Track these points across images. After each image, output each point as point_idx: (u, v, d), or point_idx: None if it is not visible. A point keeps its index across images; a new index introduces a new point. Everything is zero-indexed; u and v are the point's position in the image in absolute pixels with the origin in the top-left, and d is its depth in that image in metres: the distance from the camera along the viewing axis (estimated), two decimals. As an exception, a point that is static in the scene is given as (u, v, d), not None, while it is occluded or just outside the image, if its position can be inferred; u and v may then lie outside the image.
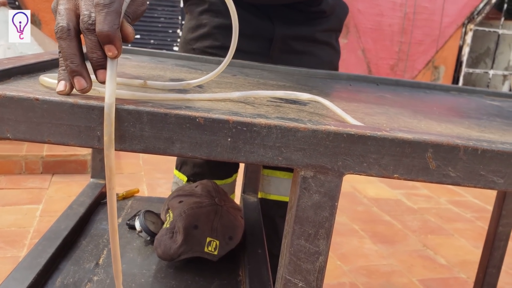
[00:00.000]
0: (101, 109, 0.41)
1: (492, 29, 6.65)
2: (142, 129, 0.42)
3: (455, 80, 6.48)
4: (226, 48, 1.24)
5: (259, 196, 1.41)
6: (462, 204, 2.70)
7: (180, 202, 0.90)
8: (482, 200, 2.79)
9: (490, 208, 2.68)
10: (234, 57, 1.16)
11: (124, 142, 0.42)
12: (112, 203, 0.43)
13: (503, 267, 1.97)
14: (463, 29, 6.37)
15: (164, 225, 0.91)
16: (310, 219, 0.46)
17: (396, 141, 0.44)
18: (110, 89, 0.41)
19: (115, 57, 0.43)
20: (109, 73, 0.42)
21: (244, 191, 1.30)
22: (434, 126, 0.66)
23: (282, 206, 1.37)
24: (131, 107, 0.41)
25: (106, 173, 0.42)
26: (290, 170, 1.36)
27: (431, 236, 2.22)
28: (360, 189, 2.79)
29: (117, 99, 0.42)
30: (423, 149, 0.44)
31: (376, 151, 0.44)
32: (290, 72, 1.12)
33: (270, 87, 0.81)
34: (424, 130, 0.59)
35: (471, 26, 6.36)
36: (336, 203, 0.46)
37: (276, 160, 0.44)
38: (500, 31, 6.67)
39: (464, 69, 6.51)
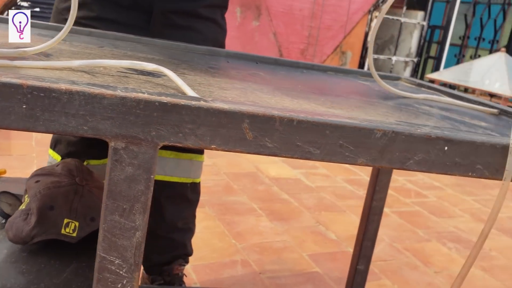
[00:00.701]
0: None
1: (395, 17, 7.02)
2: None
3: (361, 65, 6.78)
4: (103, 20, 1.17)
5: (144, 176, 1.37)
6: (356, 182, 2.84)
7: (37, 182, 0.84)
8: (375, 178, 2.95)
9: (389, 191, 2.85)
10: (109, 29, 1.11)
11: None
12: None
13: (388, 241, 2.11)
14: (369, 16, 6.66)
15: (20, 207, 0.84)
16: (124, 193, 0.43)
17: (212, 111, 0.43)
18: None
19: None
20: None
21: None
22: (285, 101, 0.66)
23: (168, 187, 1.34)
24: None
25: None
26: (176, 149, 1.33)
27: (325, 212, 2.31)
28: (262, 169, 2.84)
29: None
30: (239, 120, 0.43)
31: (191, 121, 0.42)
32: (167, 46, 1.08)
33: (135, 60, 0.77)
34: (259, 103, 0.58)
35: (376, 13, 6.66)
36: (152, 176, 0.44)
37: (81, 129, 0.40)
38: (403, 20, 7.06)
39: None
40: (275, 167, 2.91)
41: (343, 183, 2.79)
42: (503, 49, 5.21)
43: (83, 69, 0.61)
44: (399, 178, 3.03)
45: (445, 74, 5.36)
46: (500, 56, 4.98)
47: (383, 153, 0.48)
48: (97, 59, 0.65)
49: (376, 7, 6.62)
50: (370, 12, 6.60)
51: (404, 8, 7.04)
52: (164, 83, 0.60)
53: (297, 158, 0.46)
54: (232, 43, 5.62)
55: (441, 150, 0.49)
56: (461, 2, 7.00)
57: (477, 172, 0.50)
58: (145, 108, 0.41)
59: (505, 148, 0.50)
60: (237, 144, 0.44)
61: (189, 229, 1.39)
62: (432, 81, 5.76)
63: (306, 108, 0.62)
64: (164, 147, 1.33)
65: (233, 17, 5.65)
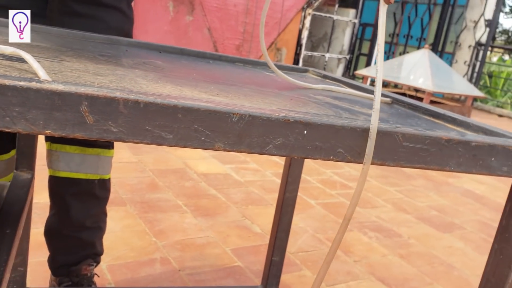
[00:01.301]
0: None
1: (328, 15, 7.18)
2: None
3: (296, 62, 6.88)
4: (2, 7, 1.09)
5: (49, 173, 1.30)
6: (285, 176, 2.87)
7: None
8: (304, 172, 3.00)
9: (310, 179, 2.90)
10: (1, 15, 1.03)
11: None
12: None
13: (311, 232, 2.14)
14: (303, 13, 6.76)
15: None
16: None
17: (43, 92, 0.39)
18: None
19: None
20: None
21: (17, 167, 1.18)
22: (165, 88, 0.63)
23: (73, 184, 1.27)
24: None
25: None
26: (81, 143, 1.27)
27: (252, 206, 2.31)
28: (191, 165, 2.80)
29: None
30: (77, 102, 0.40)
31: (20, 103, 0.39)
32: (63, 35, 1.02)
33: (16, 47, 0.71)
34: (126, 88, 0.55)
35: (309, 10, 6.77)
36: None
37: None
38: (335, 17, 7.23)
39: (303, 52, 6.94)
40: (205, 163, 2.88)
41: (272, 177, 2.81)
42: (427, 46, 5.47)
43: None
44: (326, 171, 3.10)
45: (373, 70, 5.54)
46: (424, 53, 5.22)
47: (242, 138, 0.46)
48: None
49: (309, 4, 6.73)
50: (303, 9, 6.71)
51: (337, 6, 7.22)
52: (21, 67, 0.56)
53: (148, 143, 0.43)
54: (165, 38, 5.51)
55: (301, 134, 0.48)
56: (390, 1, 7.26)
57: (339, 156, 0.50)
58: (-37, 90, 0.37)
59: (365, 131, 0.50)
60: (76, 128, 0.41)
61: (99, 228, 1.33)
62: (362, 77, 5.95)
63: (186, 94, 0.60)
64: (69, 142, 1.27)
65: (165, 11, 5.54)
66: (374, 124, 0.49)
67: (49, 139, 1.26)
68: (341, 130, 0.50)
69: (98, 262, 1.36)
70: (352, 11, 7.44)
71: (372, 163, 0.51)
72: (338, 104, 0.81)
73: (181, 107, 0.43)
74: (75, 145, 1.25)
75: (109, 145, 1.30)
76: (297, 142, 0.48)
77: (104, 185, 1.31)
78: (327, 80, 1.16)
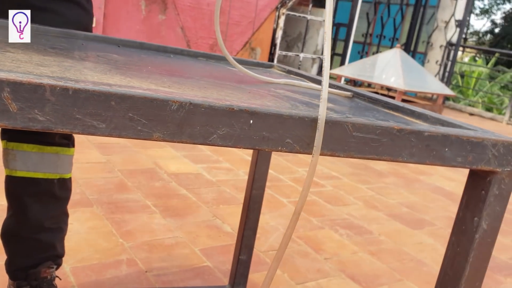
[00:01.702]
0: None
1: (302, 15, 7.20)
2: None
3: (270, 61, 6.88)
4: None
5: (5, 173, 1.25)
6: (257, 175, 2.85)
7: None
8: (277, 171, 2.99)
9: (283, 177, 2.89)
10: None
11: None
12: None
13: (282, 230, 2.12)
14: (277, 13, 6.77)
15: None
16: None
17: (-41, 77, 0.36)
18: None
19: None
20: None
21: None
22: (112, 80, 0.60)
23: (31, 183, 1.23)
24: None
25: None
26: (38, 142, 1.22)
27: (223, 206, 2.29)
28: (162, 165, 2.75)
29: None
30: (-2, 88, 0.37)
31: None
32: (15, 28, 0.98)
33: None
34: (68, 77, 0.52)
35: (283, 10, 6.78)
36: None
37: None
38: (309, 17, 7.25)
39: (278, 52, 6.94)
40: (176, 163, 2.84)
41: (245, 176, 2.79)
42: (398, 45, 5.54)
43: None
44: (298, 169, 3.10)
45: (346, 70, 5.59)
46: (396, 52, 5.28)
47: (182, 127, 0.44)
48: None
49: (283, 4, 6.74)
50: (277, 9, 6.71)
51: (310, 5, 7.25)
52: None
53: (79, 133, 0.41)
54: (137, 37, 5.43)
55: (246, 124, 0.46)
56: (363, 1, 7.35)
57: (288, 147, 0.48)
58: None
59: (314, 121, 0.49)
60: (-2, 117, 0.38)
61: (59, 229, 1.29)
62: (335, 77, 5.98)
63: (133, 85, 0.57)
64: (26, 140, 1.22)
65: (137, 10, 5.47)
66: (322, 114, 0.48)
67: (5, 137, 1.21)
68: (288, 120, 0.48)
69: (59, 265, 1.32)
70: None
71: (322, 154, 0.50)
72: (297, 97, 0.79)
73: (114, 94, 0.41)
74: (33, 143, 1.21)
75: (68, 143, 1.26)
76: (243, 132, 0.46)
77: (64, 185, 1.27)
78: (291, 75, 1.14)
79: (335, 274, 1.80)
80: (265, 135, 0.47)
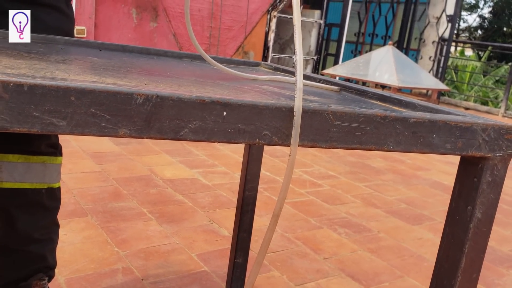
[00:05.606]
0: None
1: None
2: None
3: (264, 64, 6.86)
4: None
5: (-8, 185, 1.22)
6: (253, 178, 2.83)
7: None
8: (273, 172, 2.96)
9: (279, 179, 2.87)
10: None
11: None
12: None
13: (280, 231, 2.10)
14: (268, 16, 6.76)
15: None
16: None
17: None
18: None
19: None
20: None
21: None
22: (86, 78, 0.58)
23: (18, 194, 1.20)
24: None
25: None
26: (23, 152, 1.20)
27: (220, 210, 2.26)
28: (157, 171, 2.73)
29: None
30: None
31: None
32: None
33: None
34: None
35: (274, 13, 6.77)
36: None
37: None
38: (300, 18, 7.25)
39: (271, 54, 6.92)
40: (171, 169, 2.81)
41: (241, 180, 2.76)
42: (391, 42, 5.53)
43: None
44: (296, 170, 3.07)
45: (339, 69, 5.57)
46: (388, 50, 5.27)
47: (150, 122, 0.42)
48: None
49: (274, 7, 6.73)
50: (268, 12, 6.70)
51: (301, 7, 7.24)
52: None
53: (37, 132, 0.38)
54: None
55: (220, 116, 0.44)
56: (354, 1, 7.35)
57: (265, 139, 0.46)
58: None
59: (291, 111, 0.46)
60: None
61: (50, 239, 1.26)
62: (329, 76, 5.97)
63: (99, 83, 0.55)
64: (11, 151, 1.19)
65: (129, 18, 5.45)
66: (299, 103, 0.45)
67: (-11, 148, 1.18)
68: (264, 111, 0.45)
69: (51, 276, 1.29)
70: (317, 12, 7.48)
71: (302, 145, 0.47)
72: (282, 92, 0.77)
73: (73, 88, 0.38)
74: (18, 153, 1.18)
75: (55, 152, 1.23)
76: (217, 125, 0.44)
77: (53, 194, 1.24)
78: (278, 72, 1.12)
79: (335, 274, 1.77)
80: (241, 127, 0.45)
